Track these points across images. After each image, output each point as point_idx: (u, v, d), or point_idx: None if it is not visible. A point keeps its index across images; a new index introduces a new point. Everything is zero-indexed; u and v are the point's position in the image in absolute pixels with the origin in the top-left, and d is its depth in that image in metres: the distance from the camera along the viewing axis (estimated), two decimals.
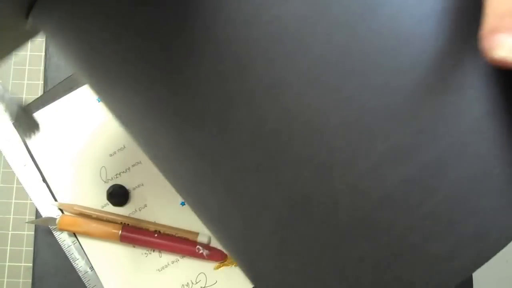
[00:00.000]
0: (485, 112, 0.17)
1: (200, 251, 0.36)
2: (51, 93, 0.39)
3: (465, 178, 0.17)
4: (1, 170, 0.39)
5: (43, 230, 0.38)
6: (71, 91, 0.39)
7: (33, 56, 0.41)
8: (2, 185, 0.39)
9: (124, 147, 0.38)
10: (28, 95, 0.40)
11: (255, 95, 0.18)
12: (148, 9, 0.18)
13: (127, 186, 0.37)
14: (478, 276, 0.38)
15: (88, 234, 0.36)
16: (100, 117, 0.38)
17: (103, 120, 0.38)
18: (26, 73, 0.41)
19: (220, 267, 0.37)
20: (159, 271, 0.37)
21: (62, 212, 0.37)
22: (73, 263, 0.37)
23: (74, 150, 0.38)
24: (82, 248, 0.37)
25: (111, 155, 0.38)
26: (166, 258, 0.37)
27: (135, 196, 0.38)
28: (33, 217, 0.38)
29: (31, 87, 0.41)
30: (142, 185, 0.38)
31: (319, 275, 0.19)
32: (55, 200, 0.37)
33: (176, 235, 0.36)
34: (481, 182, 0.17)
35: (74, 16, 0.20)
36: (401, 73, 0.16)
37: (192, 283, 0.36)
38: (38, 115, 0.38)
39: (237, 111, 0.18)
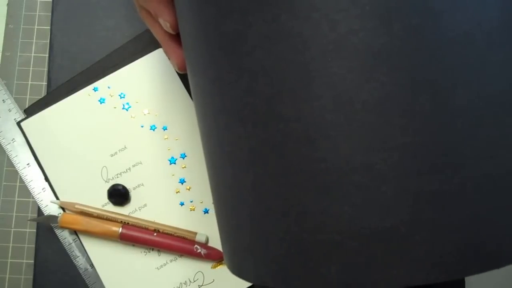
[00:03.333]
0: None
1: (198, 250, 0.36)
2: (54, 94, 0.40)
3: None
4: (5, 169, 0.40)
5: (45, 228, 0.38)
6: (74, 92, 0.39)
7: (37, 57, 0.42)
8: (5, 183, 0.40)
9: (125, 147, 0.39)
10: (32, 96, 0.41)
11: None
12: None
13: (128, 186, 0.38)
14: (469, 277, 0.38)
15: (88, 232, 0.37)
16: (102, 118, 0.39)
17: (105, 121, 0.39)
18: (30, 74, 0.41)
19: (217, 266, 0.37)
20: (158, 269, 0.37)
21: (64, 211, 0.38)
22: (73, 261, 0.38)
23: (76, 150, 0.38)
24: (83, 246, 0.37)
25: (112, 155, 0.39)
26: (165, 256, 0.37)
27: (135, 196, 0.38)
28: (35, 215, 0.39)
29: (35, 88, 0.41)
30: (142, 185, 0.38)
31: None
32: (57, 198, 0.38)
33: (175, 235, 0.37)
34: None
35: None
36: None
37: (190, 281, 0.37)
38: (41, 115, 0.39)
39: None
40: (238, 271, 0.23)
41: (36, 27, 0.42)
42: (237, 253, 0.23)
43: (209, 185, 0.26)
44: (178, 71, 0.29)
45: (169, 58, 0.29)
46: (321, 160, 0.18)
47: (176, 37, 0.29)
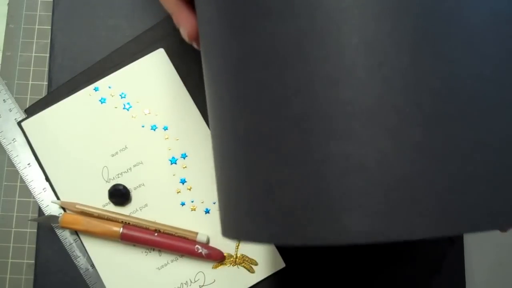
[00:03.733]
0: None
1: (199, 251, 0.36)
2: (55, 94, 0.40)
3: None
4: (5, 168, 0.40)
5: (46, 228, 0.38)
6: (75, 92, 0.39)
7: (38, 57, 0.42)
8: (6, 183, 0.40)
9: (126, 147, 0.39)
10: (33, 96, 0.41)
11: None
12: None
13: (129, 186, 0.38)
14: (471, 278, 0.38)
15: (89, 233, 0.37)
16: (103, 118, 0.39)
17: (106, 121, 0.39)
18: (31, 74, 0.41)
19: (218, 266, 0.37)
20: (159, 269, 0.37)
21: (64, 211, 0.38)
22: (74, 261, 0.37)
23: (77, 150, 0.38)
24: (84, 246, 0.37)
25: (113, 155, 0.38)
26: (166, 257, 0.37)
27: (136, 196, 0.38)
28: (36, 215, 0.39)
29: (35, 88, 0.41)
30: (143, 185, 0.38)
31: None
32: (58, 198, 0.38)
33: (176, 235, 0.37)
34: None
35: None
36: None
37: (191, 281, 0.37)
38: (42, 115, 0.39)
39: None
40: (245, 234, 0.22)
41: (36, 26, 0.42)
42: (244, 213, 0.21)
43: (212, 144, 0.25)
44: (188, 40, 0.29)
45: (179, 28, 0.29)
46: (349, 102, 0.18)
47: (189, 5, 0.29)
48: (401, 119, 0.17)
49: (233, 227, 0.23)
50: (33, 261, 0.38)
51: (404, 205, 0.17)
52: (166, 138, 0.39)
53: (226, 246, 0.37)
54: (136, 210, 0.38)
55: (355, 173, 0.18)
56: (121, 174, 0.38)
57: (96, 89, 0.39)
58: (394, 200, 0.17)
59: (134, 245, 0.37)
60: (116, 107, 0.39)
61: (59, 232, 0.38)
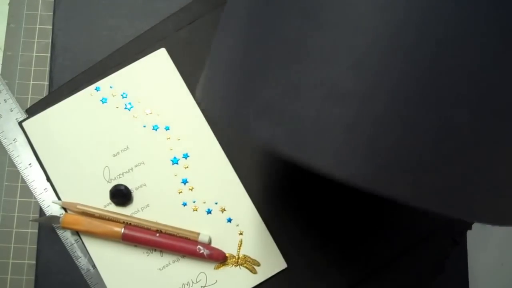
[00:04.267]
0: None
1: (201, 251, 0.36)
2: (56, 94, 0.39)
3: None
4: (6, 169, 0.40)
5: (47, 228, 0.38)
6: (76, 92, 0.39)
7: (39, 57, 0.41)
8: (7, 183, 0.40)
9: (127, 147, 0.38)
10: (34, 95, 0.41)
11: None
12: None
13: (130, 186, 0.38)
14: (474, 278, 0.38)
15: (90, 233, 0.37)
16: (104, 118, 0.39)
17: (107, 121, 0.39)
18: (32, 73, 0.41)
19: (220, 267, 0.37)
20: (160, 270, 0.37)
21: (66, 211, 0.38)
22: (75, 261, 0.37)
23: (78, 150, 0.38)
24: (85, 247, 0.37)
25: (114, 155, 0.38)
26: (167, 257, 0.37)
27: (137, 196, 0.38)
28: (37, 216, 0.39)
29: (36, 88, 0.41)
30: (145, 185, 0.38)
31: None
32: (59, 199, 0.38)
33: (177, 235, 0.37)
34: None
35: None
36: None
37: (193, 282, 0.37)
38: (43, 115, 0.39)
39: None
40: (254, 131, 0.21)
41: (37, 26, 0.42)
42: (255, 110, 0.21)
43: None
44: None
45: None
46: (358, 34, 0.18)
47: None
48: (395, 51, 0.18)
49: (241, 126, 0.22)
50: (34, 262, 0.38)
51: (386, 157, 0.18)
52: (167, 138, 0.39)
53: (228, 246, 0.37)
54: (138, 210, 0.38)
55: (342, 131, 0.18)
56: (122, 174, 0.38)
57: (97, 89, 0.39)
58: (377, 149, 0.18)
59: (136, 246, 0.37)
60: (117, 107, 0.39)
61: (60, 232, 0.38)
